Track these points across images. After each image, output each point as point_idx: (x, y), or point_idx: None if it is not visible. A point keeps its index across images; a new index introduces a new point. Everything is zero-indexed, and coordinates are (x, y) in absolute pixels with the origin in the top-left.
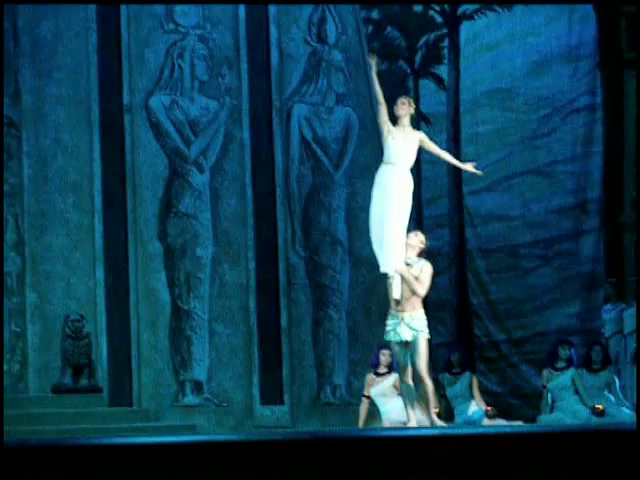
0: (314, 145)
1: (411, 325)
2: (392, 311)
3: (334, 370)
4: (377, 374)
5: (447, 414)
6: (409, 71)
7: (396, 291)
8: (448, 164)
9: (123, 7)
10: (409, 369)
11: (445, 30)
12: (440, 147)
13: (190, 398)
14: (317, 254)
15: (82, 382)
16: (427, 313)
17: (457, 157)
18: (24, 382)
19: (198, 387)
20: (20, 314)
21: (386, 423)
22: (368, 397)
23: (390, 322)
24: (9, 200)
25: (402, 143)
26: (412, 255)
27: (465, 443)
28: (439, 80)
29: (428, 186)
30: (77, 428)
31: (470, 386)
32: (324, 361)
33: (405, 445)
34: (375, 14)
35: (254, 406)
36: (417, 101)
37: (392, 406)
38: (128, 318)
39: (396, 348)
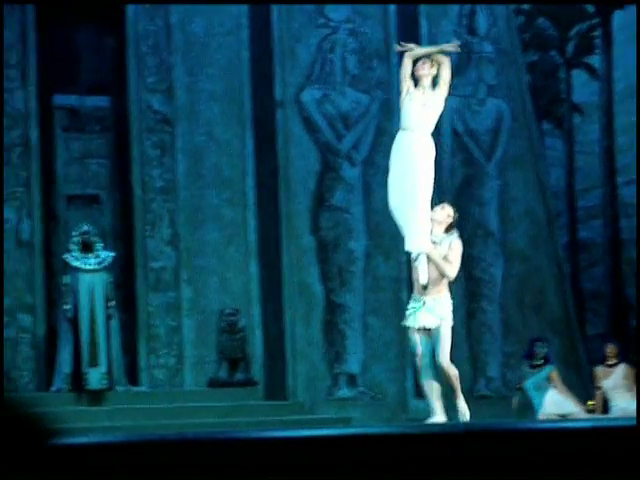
0: (465, 137)
1: (434, 311)
2: (415, 294)
3: (488, 363)
4: (531, 366)
5: (603, 406)
6: (561, 61)
7: (422, 275)
8: (600, 155)
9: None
10: (426, 359)
11: (597, 19)
12: (593, 137)
13: (344, 391)
14: (469, 246)
15: (237, 376)
16: (581, 304)
17: (610, 147)
18: (180, 376)
19: (352, 380)
20: (176, 309)
21: (541, 415)
22: (522, 389)
23: (411, 306)
24: (164, 196)
25: (420, 106)
26: (439, 231)
27: (618, 435)
28: (592, 70)
29: (581, 177)
30: (232, 421)
31: (626, 377)
32: (478, 354)
33: (559, 437)
34: (526, 5)
35: (408, 399)
36: (569, 91)
37: (547, 398)
38: (282, 312)
39: (414, 335)
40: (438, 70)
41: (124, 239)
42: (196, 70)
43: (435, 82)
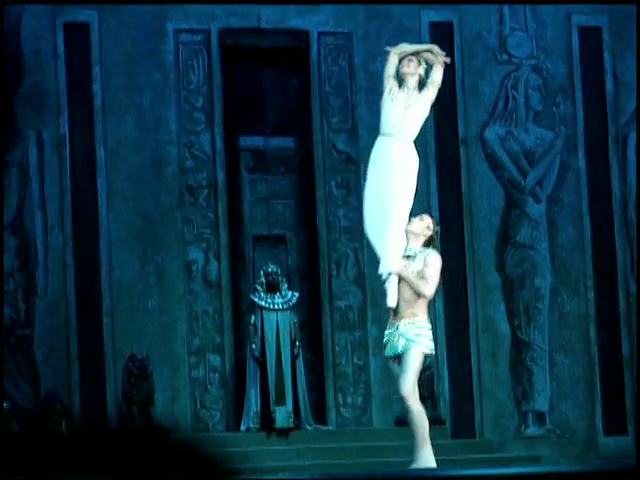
0: None
1: (406, 334)
2: (390, 321)
3: None
4: None
5: None
6: None
7: (391, 298)
8: None
9: (457, 40)
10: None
11: None
12: None
13: (532, 429)
14: None
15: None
16: None
17: None
18: (368, 415)
19: (540, 418)
20: (362, 348)
21: None
22: None
23: (386, 333)
24: (349, 235)
25: (403, 109)
26: (416, 245)
27: None
28: None
29: None
30: None
31: None
32: None
33: None
34: None
35: (597, 436)
36: None
37: None
38: (468, 350)
39: (391, 365)
40: (428, 72)
41: (309, 279)
42: (380, 109)
43: (423, 84)
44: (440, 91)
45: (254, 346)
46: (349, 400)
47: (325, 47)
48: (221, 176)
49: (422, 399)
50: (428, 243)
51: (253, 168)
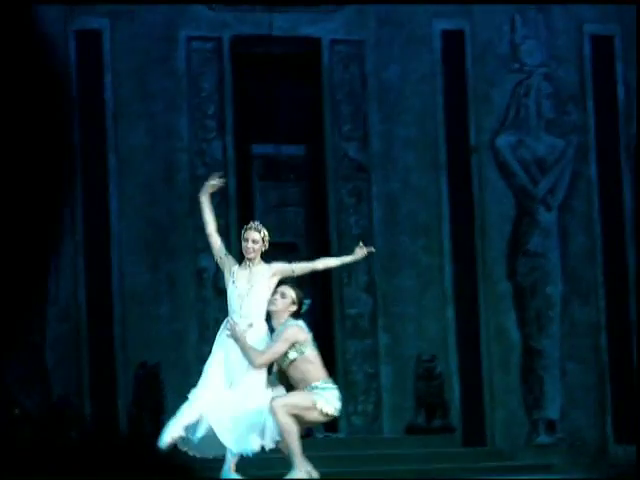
0: None
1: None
2: None
3: None
4: None
5: None
6: None
7: (165, 438)
8: None
9: (468, 48)
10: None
11: None
12: None
13: (543, 437)
14: None
15: (435, 422)
16: None
17: None
18: (378, 423)
19: (551, 426)
20: (373, 355)
21: None
22: None
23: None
24: (360, 243)
25: (247, 289)
26: (278, 324)
27: None
28: None
29: None
30: (431, 468)
31: None
32: None
33: None
34: None
35: (608, 445)
36: None
37: None
38: (479, 358)
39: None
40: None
41: (321, 286)
42: (391, 117)
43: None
44: (450, 102)
45: None
46: (360, 408)
47: (337, 55)
48: (232, 184)
49: (432, 407)
50: (295, 315)
51: (264, 176)
